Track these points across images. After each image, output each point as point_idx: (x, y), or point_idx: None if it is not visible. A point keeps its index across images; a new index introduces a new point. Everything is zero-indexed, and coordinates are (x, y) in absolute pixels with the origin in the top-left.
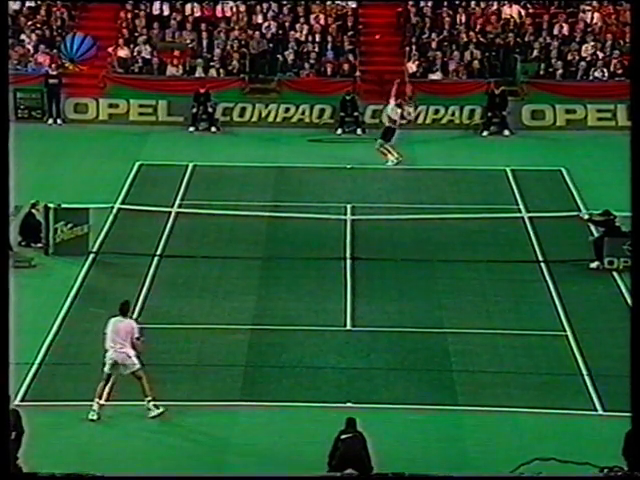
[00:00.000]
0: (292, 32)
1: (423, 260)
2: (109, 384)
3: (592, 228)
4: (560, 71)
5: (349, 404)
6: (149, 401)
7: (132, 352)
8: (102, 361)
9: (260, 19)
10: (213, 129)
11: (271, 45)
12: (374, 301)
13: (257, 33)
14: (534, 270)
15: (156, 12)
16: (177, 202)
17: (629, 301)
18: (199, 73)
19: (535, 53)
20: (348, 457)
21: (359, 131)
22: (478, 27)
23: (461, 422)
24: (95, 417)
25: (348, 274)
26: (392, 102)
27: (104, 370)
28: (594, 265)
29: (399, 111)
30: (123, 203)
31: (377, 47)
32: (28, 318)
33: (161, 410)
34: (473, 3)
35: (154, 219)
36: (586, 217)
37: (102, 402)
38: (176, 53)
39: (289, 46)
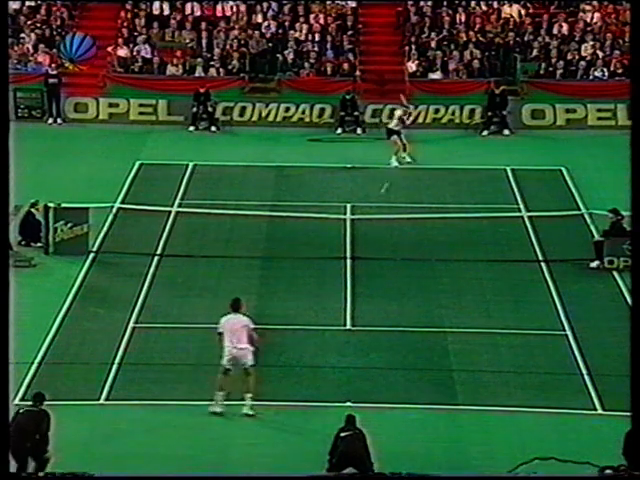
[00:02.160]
0: (292, 31)
1: (423, 260)
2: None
3: (592, 228)
4: (560, 70)
5: (349, 403)
6: (250, 398)
7: (251, 348)
8: (104, 360)
9: (260, 18)
10: (213, 128)
11: (271, 44)
12: (374, 301)
13: (257, 32)
14: (534, 270)
15: (156, 11)
16: (177, 202)
17: (629, 301)
18: (199, 72)
19: (535, 52)
20: (348, 456)
21: (359, 130)
22: (478, 26)
23: (461, 422)
24: (219, 410)
25: (348, 274)
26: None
27: (222, 364)
28: (594, 264)
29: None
30: (123, 203)
31: (377, 47)
32: (28, 318)
33: (254, 412)
34: (473, 2)
35: (154, 219)
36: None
37: (222, 394)
38: (177, 53)
39: (289, 45)
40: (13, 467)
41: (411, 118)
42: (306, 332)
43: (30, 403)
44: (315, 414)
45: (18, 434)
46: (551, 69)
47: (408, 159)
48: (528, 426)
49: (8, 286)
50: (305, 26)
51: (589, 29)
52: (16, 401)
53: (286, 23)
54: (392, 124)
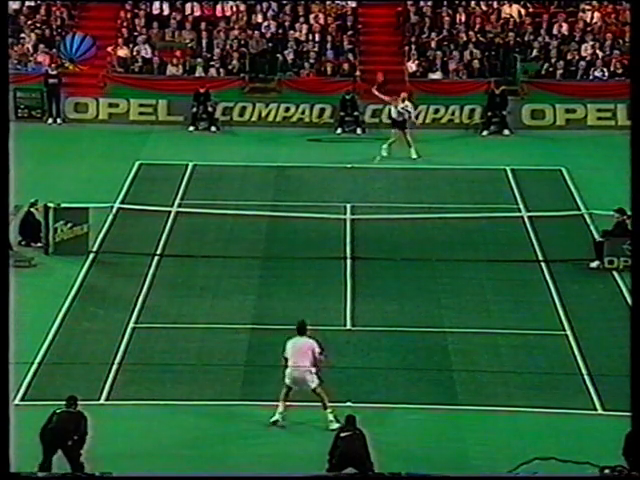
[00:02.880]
0: (292, 31)
1: (423, 260)
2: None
3: (592, 228)
4: (560, 70)
5: (349, 403)
6: (330, 413)
7: (313, 369)
8: (104, 360)
9: (260, 18)
10: (213, 129)
11: (271, 44)
12: (374, 301)
13: (257, 32)
14: (534, 270)
15: (156, 11)
16: (177, 202)
17: (629, 301)
18: (199, 72)
19: (535, 52)
20: (348, 456)
21: (359, 130)
22: (478, 26)
23: (461, 422)
24: (279, 418)
25: (348, 274)
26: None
27: (285, 382)
28: (594, 265)
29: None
30: (123, 203)
31: (377, 47)
32: (28, 317)
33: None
34: (473, 2)
35: (154, 219)
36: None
37: (282, 408)
38: (177, 53)
39: (289, 45)
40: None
41: (413, 113)
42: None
43: (64, 404)
44: (315, 414)
45: (60, 432)
46: (551, 69)
47: (414, 155)
48: (528, 426)
49: (8, 286)
50: (305, 26)
51: (589, 29)
52: (16, 401)
53: (286, 23)
54: (393, 112)
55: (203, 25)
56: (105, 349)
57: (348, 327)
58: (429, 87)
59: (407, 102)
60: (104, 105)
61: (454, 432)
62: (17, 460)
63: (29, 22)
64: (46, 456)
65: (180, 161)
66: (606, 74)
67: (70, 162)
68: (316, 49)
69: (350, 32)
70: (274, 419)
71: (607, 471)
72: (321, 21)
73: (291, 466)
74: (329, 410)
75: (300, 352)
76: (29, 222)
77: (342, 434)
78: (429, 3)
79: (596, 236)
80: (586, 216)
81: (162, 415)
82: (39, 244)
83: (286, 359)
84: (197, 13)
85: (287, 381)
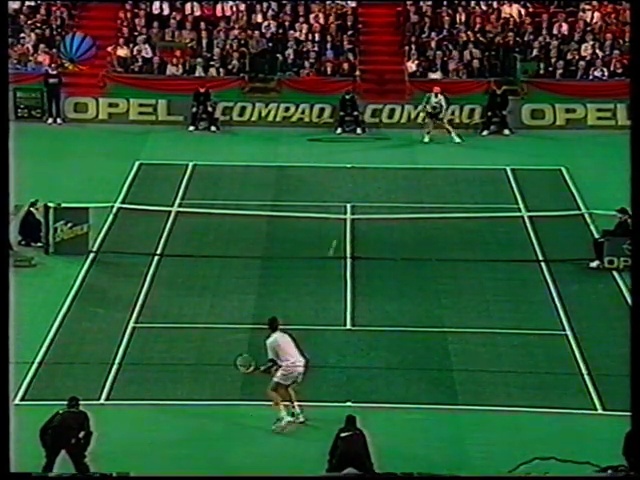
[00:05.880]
0: (292, 31)
1: (423, 260)
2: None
3: (592, 228)
4: (560, 70)
5: (349, 403)
6: (297, 406)
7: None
8: (104, 360)
9: (260, 18)
10: (213, 128)
11: (271, 44)
12: (374, 300)
13: (257, 32)
14: (534, 270)
15: (156, 11)
16: (177, 202)
17: (629, 300)
18: (199, 72)
19: (535, 52)
20: (348, 456)
21: (359, 130)
22: (478, 26)
23: (461, 422)
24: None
25: (348, 274)
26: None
27: (279, 382)
28: (594, 264)
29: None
30: (123, 202)
31: (377, 47)
32: (28, 317)
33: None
34: (473, 2)
35: (154, 219)
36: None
37: (284, 405)
38: (177, 53)
39: (289, 45)
40: (40, 464)
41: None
42: (306, 332)
43: (66, 405)
44: (315, 414)
45: (63, 431)
46: (551, 69)
47: (457, 139)
48: (528, 426)
49: (8, 286)
50: (305, 26)
51: (589, 29)
52: (16, 401)
53: (286, 23)
54: (429, 108)
55: (203, 25)
56: (105, 349)
57: (348, 327)
58: (429, 87)
59: (440, 96)
60: (104, 105)
61: (454, 432)
62: (17, 460)
63: (29, 22)
64: (49, 456)
65: (180, 161)
66: (606, 74)
67: (70, 162)
68: (316, 49)
69: (350, 32)
70: (287, 420)
71: (607, 471)
72: (321, 21)
73: (291, 466)
74: (296, 403)
75: (290, 348)
76: (29, 222)
77: (342, 434)
78: (429, 3)
79: (596, 236)
80: (586, 216)
81: (162, 415)
82: (39, 244)
83: (273, 360)
84: (197, 13)
85: (282, 379)
